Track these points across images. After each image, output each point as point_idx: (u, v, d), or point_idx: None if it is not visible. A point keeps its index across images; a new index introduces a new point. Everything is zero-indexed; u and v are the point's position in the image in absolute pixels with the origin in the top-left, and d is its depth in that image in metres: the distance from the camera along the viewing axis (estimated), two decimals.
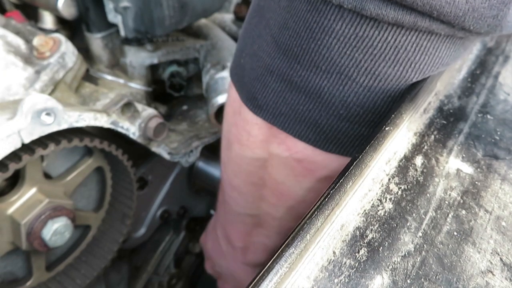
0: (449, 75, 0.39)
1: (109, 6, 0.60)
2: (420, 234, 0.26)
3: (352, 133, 0.35)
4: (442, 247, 0.25)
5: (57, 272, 0.61)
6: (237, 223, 0.53)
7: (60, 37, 0.58)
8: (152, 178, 0.76)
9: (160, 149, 0.64)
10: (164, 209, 0.81)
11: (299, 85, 0.34)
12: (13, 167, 0.46)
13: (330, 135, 0.35)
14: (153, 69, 0.73)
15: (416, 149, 0.31)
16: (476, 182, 0.30)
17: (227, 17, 0.88)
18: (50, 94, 0.56)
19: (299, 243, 0.23)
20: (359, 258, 0.24)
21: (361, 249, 0.24)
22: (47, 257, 0.59)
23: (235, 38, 0.81)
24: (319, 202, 0.25)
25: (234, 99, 0.41)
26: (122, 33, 0.63)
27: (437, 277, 0.24)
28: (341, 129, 0.35)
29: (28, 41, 0.58)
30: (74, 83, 0.60)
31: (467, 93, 0.38)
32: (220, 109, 0.67)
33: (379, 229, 0.25)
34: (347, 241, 0.24)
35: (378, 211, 0.26)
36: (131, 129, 0.58)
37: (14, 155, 0.47)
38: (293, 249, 0.23)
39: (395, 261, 0.24)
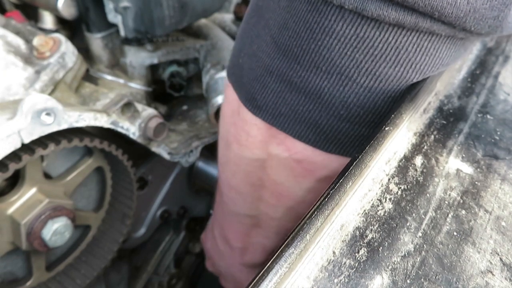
0: (449, 75, 0.39)
1: (109, 6, 0.60)
2: (420, 234, 0.26)
3: (352, 134, 0.35)
4: (442, 247, 0.25)
5: (57, 272, 0.61)
6: (235, 224, 0.53)
7: (60, 37, 0.58)
8: (152, 178, 0.76)
9: (160, 149, 0.64)
10: (164, 209, 0.81)
11: (299, 86, 0.34)
12: (13, 167, 0.46)
13: (330, 135, 0.35)
14: (153, 69, 0.73)
15: (416, 149, 0.31)
16: (476, 182, 0.30)
17: (227, 17, 0.88)
18: (50, 94, 0.56)
19: (299, 243, 0.23)
20: (359, 258, 0.24)
21: (361, 249, 0.24)
22: (47, 257, 0.59)
23: (235, 38, 0.81)
24: (319, 202, 0.25)
25: (232, 99, 0.41)
26: (122, 33, 0.63)
27: (437, 277, 0.24)
28: (341, 130, 0.35)
29: (28, 41, 0.58)
30: (74, 83, 0.60)
31: (467, 93, 0.38)
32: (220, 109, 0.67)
33: (379, 229, 0.25)
34: (347, 241, 0.24)
35: (378, 211, 0.26)
36: (131, 129, 0.58)
37: (14, 155, 0.47)
38: (293, 249, 0.23)
39: (395, 261, 0.24)
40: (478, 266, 0.24)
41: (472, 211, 0.28)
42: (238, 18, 0.88)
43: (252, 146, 0.41)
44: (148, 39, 0.68)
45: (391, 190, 0.28)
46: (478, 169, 0.31)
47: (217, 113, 0.69)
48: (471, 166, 0.31)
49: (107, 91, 0.62)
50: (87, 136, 0.53)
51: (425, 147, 0.31)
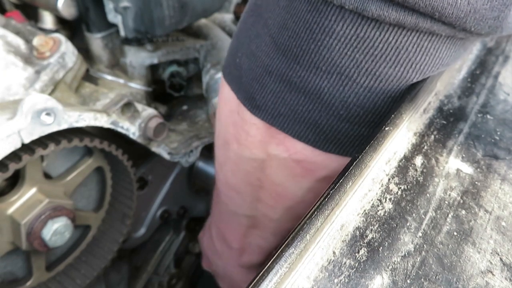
0: (449, 75, 0.39)
1: (109, 6, 0.60)
2: (420, 234, 0.26)
3: (352, 134, 0.35)
4: (442, 247, 0.25)
5: (57, 272, 0.61)
6: (233, 224, 0.53)
7: (60, 37, 0.58)
8: (152, 178, 0.76)
9: (160, 149, 0.64)
10: (164, 209, 0.81)
11: (298, 86, 0.34)
12: (13, 167, 0.46)
13: (330, 135, 0.35)
14: (153, 69, 0.73)
15: (416, 149, 0.31)
16: (476, 182, 0.30)
17: (227, 17, 0.88)
18: (50, 94, 0.56)
19: (299, 243, 0.23)
20: (359, 258, 0.24)
21: (361, 249, 0.24)
22: (47, 257, 0.59)
23: None
24: (319, 202, 0.25)
25: (229, 98, 0.41)
26: (122, 33, 0.63)
27: (437, 277, 0.24)
28: (341, 130, 0.35)
29: (28, 41, 0.58)
30: (74, 83, 0.60)
31: (467, 93, 0.38)
32: None
33: (379, 229, 0.25)
34: (347, 241, 0.24)
35: (378, 211, 0.26)
36: (131, 129, 0.58)
37: (14, 155, 0.47)
38: (293, 249, 0.23)
39: (395, 261, 0.24)
40: (478, 266, 0.24)
41: (472, 211, 0.28)
42: (238, 18, 0.88)
43: (251, 146, 0.41)
44: (148, 39, 0.68)
45: (391, 190, 0.28)
46: (478, 169, 0.31)
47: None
48: (471, 166, 0.31)
49: (107, 91, 0.62)
50: (87, 136, 0.53)
51: (425, 147, 0.31)
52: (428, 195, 0.28)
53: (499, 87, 0.40)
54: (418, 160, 0.30)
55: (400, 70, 0.31)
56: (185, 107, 0.81)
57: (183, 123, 0.77)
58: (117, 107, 0.55)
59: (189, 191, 0.86)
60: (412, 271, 0.24)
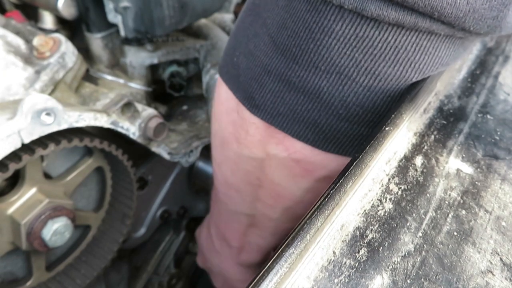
0: (449, 75, 0.39)
1: (109, 6, 0.60)
2: (420, 234, 0.26)
3: (351, 133, 0.35)
4: (442, 247, 0.25)
5: (57, 272, 0.61)
6: (232, 222, 0.53)
7: (60, 37, 0.58)
8: (152, 178, 0.76)
9: (160, 149, 0.64)
10: (164, 209, 0.81)
11: (297, 86, 0.34)
12: (13, 167, 0.46)
13: (329, 135, 0.35)
14: (153, 69, 0.73)
15: (416, 149, 0.31)
16: (476, 182, 0.30)
17: (227, 17, 0.88)
18: (50, 94, 0.56)
19: (299, 243, 0.23)
20: (359, 258, 0.24)
21: (361, 249, 0.24)
22: (47, 257, 0.59)
23: None
24: (319, 202, 0.25)
25: (227, 97, 0.41)
26: (122, 33, 0.63)
27: (437, 277, 0.24)
28: (340, 129, 0.35)
29: (28, 41, 0.58)
30: (74, 83, 0.60)
31: (467, 93, 0.38)
32: None
33: (379, 229, 0.25)
34: (347, 241, 0.24)
35: (378, 211, 0.26)
36: (131, 129, 0.58)
37: (14, 155, 0.47)
38: (293, 249, 0.23)
39: (395, 261, 0.24)
40: (478, 266, 0.24)
41: (472, 211, 0.28)
42: None
43: (251, 145, 0.41)
44: (148, 39, 0.68)
45: (391, 190, 0.28)
46: (478, 169, 0.31)
47: None
48: (471, 166, 0.31)
49: (107, 91, 0.62)
50: (87, 136, 0.53)
51: (425, 147, 0.31)
52: (428, 195, 0.28)
53: (499, 87, 0.40)
54: (418, 160, 0.30)
55: (399, 69, 0.31)
56: (185, 107, 0.81)
57: (183, 123, 0.77)
58: (117, 107, 0.55)
59: (189, 191, 0.86)
60: (412, 271, 0.24)
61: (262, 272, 0.22)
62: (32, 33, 0.61)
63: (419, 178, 0.29)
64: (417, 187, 0.28)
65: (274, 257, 0.23)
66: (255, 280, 0.22)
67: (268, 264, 0.22)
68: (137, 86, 0.70)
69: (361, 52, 0.30)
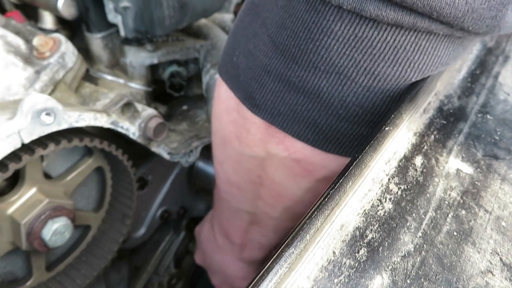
0: (449, 75, 0.39)
1: (109, 6, 0.60)
2: (420, 234, 0.26)
3: (351, 133, 0.35)
4: (442, 247, 0.25)
5: (57, 272, 0.61)
6: (235, 220, 0.53)
7: (60, 37, 0.58)
8: (152, 178, 0.76)
9: (160, 149, 0.64)
10: (164, 209, 0.81)
11: (297, 86, 0.34)
12: (13, 167, 0.46)
13: (329, 135, 0.35)
14: (153, 69, 0.73)
15: (416, 149, 0.31)
16: (476, 182, 0.30)
17: (227, 17, 0.88)
18: (50, 94, 0.56)
19: (299, 243, 0.23)
20: (359, 258, 0.24)
21: (361, 249, 0.24)
22: (47, 257, 0.59)
23: None
24: (319, 202, 0.25)
25: (227, 96, 0.41)
26: (122, 33, 0.63)
27: (437, 277, 0.24)
28: (340, 129, 0.35)
29: (28, 41, 0.58)
30: (74, 83, 0.60)
31: (467, 93, 0.38)
32: None
33: (379, 229, 0.25)
34: (347, 241, 0.24)
35: (378, 211, 0.26)
36: (131, 129, 0.58)
37: (14, 155, 0.47)
38: (293, 249, 0.23)
39: (395, 261, 0.24)
40: (478, 266, 0.24)
41: (472, 211, 0.28)
42: None
43: (252, 144, 0.41)
44: (148, 39, 0.68)
45: (391, 190, 0.28)
46: (478, 169, 0.31)
47: None
48: (471, 166, 0.31)
49: (107, 91, 0.62)
50: (87, 136, 0.53)
51: (425, 147, 0.31)
52: (428, 195, 0.28)
53: (499, 87, 0.40)
54: (418, 160, 0.30)
55: (398, 69, 0.31)
56: (185, 107, 0.81)
57: (183, 123, 0.77)
58: (117, 107, 0.55)
59: (189, 191, 0.86)
60: (412, 271, 0.24)
61: (262, 272, 0.22)
62: (32, 33, 0.61)
63: (419, 178, 0.29)
64: (417, 187, 0.28)
65: (274, 257, 0.23)
66: (255, 280, 0.22)
67: (268, 264, 0.22)
68: (137, 86, 0.70)
69: (360, 52, 0.30)
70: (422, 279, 0.23)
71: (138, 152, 0.67)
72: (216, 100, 0.44)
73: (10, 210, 0.50)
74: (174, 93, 0.76)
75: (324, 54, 0.31)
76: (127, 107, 0.56)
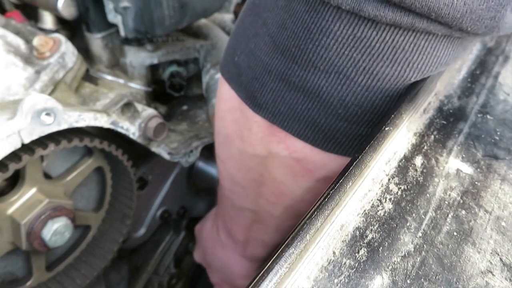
0: (449, 75, 0.39)
1: (109, 6, 0.60)
2: (420, 234, 0.26)
3: (350, 133, 0.35)
4: (442, 247, 0.25)
5: (57, 272, 0.61)
6: (238, 217, 0.54)
7: (60, 37, 0.58)
8: (152, 178, 0.76)
9: (160, 149, 0.64)
10: (164, 209, 0.81)
11: (297, 85, 0.34)
12: (13, 167, 0.46)
13: (329, 134, 0.35)
14: (153, 69, 0.73)
15: (416, 149, 0.31)
16: (476, 182, 0.30)
17: (227, 17, 0.88)
18: (50, 94, 0.56)
19: (299, 243, 0.23)
20: (359, 258, 0.24)
21: (361, 249, 0.24)
22: (47, 257, 0.59)
23: None
24: (319, 202, 0.25)
25: (230, 96, 0.41)
26: (122, 33, 0.63)
27: (437, 277, 0.24)
28: (339, 129, 0.35)
29: (28, 41, 0.58)
30: (74, 83, 0.60)
31: (467, 93, 0.38)
32: None
33: (379, 229, 0.25)
34: (347, 241, 0.24)
35: (378, 211, 0.26)
36: (131, 129, 0.58)
37: (14, 155, 0.47)
38: (293, 249, 0.23)
39: (395, 261, 0.24)
40: (478, 266, 0.24)
41: (472, 211, 0.28)
42: None
43: (254, 143, 0.41)
44: (148, 39, 0.68)
45: (391, 190, 0.28)
46: (478, 169, 0.31)
47: None
48: (471, 166, 0.31)
49: (107, 91, 0.62)
50: (87, 136, 0.53)
51: (425, 147, 0.31)
52: (428, 195, 0.28)
53: (499, 87, 0.40)
54: (418, 160, 0.30)
55: (397, 69, 0.31)
56: (185, 107, 0.81)
57: (183, 123, 0.77)
58: (117, 107, 0.55)
59: (189, 191, 0.86)
60: (412, 271, 0.24)
61: (262, 272, 0.22)
62: (32, 33, 0.61)
63: (419, 178, 0.29)
64: (417, 187, 0.28)
65: (274, 257, 0.23)
66: (255, 280, 0.22)
67: (268, 264, 0.22)
68: (137, 86, 0.70)
69: (359, 52, 0.30)
70: (422, 279, 0.23)
71: (138, 152, 0.67)
72: (219, 100, 0.45)
73: (10, 210, 0.50)
74: (174, 93, 0.76)
75: (324, 54, 0.31)
76: (127, 107, 0.56)
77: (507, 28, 0.29)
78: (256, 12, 0.36)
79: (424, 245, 0.25)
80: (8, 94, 0.52)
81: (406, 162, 0.30)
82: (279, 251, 0.23)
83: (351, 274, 0.23)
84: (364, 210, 0.26)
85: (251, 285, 0.22)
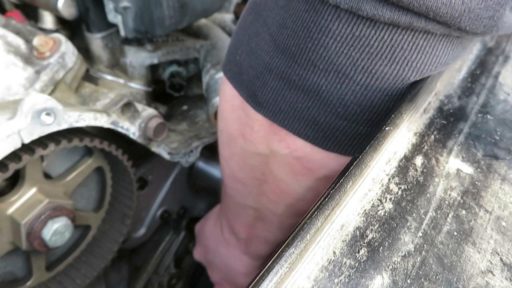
0: (449, 75, 0.39)
1: (109, 6, 0.60)
2: (420, 234, 0.26)
3: (350, 132, 0.35)
4: (442, 247, 0.25)
5: (57, 272, 0.61)
6: (240, 215, 0.54)
7: (60, 37, 0.58)
8: (152, 178, 0.76)
9: (160, 149, 0.64)
10: (164, 209, 0.81)
11: (297, 84, 0.34)
12: (13, 167, 0.46)
13: (328, 133, 0.35)
14: (153, 69, 0.73)
15: (416, 149, 0.31)
16: (476, 182, 0.30)
17: (227, 17, 0.88)
18: (50, 94, 0.56)
19: (299, 243, 0.23)
20: (359, 258, 0.24)
21: (361, 249, 0.24)
22: (47, 257, 0.59)
23: None
24: (319, 202, 0.25)
25: (232, 95, 0.41)
26: (122, 33, 0.63)
27: (437, 277, 0.24)
28: (339, 127, 0.35)
29: (28, 41, 0.58)
30: (74, 83, 0.60)
31: (467, 93, 0.38)
32: None
33: (379, 229, 0.25)
34: (347, 241, 0.24)
35: (378, 211, 0.26)
36: (131, 129, 0.58)
37: (14, 155, 0.47)
38: (293, 249, 0.23)
39: (395, 261, 0.24)
40: (479, 266, 0.24)
41: (472, 211, 0.28)
42: (238, 18, 0.88)
43: (256, 141, 0.41)
44: (148, 39, 0.68)
45: (391, 190, 0.28)
46: (478, 169, 0.31)
47: (217, 113, 0.69)
48: (471, 166, 0.31)
49: (107, 91, 0.62)
50: (87, 136, 0.53)
51: (425, 147, 0.31)
52: (428, 195, 0.28)
53: (499, 87, 0.40)
54: (418, 160, 0.30)
55: (396, 68, 0.31)
56: (185, 107, 0.81)
57: (183, 123, 0.77)
58: (117, 107, 0.55)
59: (189, 191, 0.86)
60: (412, 271, 0.24)
61: (262, 272, 0.22)
62: (32, 33, 0.61)
63: (419, 178, 0.29)
64: (417, 187, 0.28)
65: (274, 257, 0.23)
66: (255, 280, 0.22)
67: (268, 264, 0.22)
68: (137, 86, 0.70)
69: (358, 51, 0.30)
70: (422, 279, 0.23)
71: (138, 152, 0.67)
72: (221, 99, 0.45)
73: (10, 210, 0.50)
74: (174, 93, 0.76)
75: (323, 52, 0.31)
76: (127, 107, 0.56)
77: (506, 28, 0.29)
78: (257, 11, 0.36)
79: (424, 245, 0.25)
80: (8, 94, 0.52)
81: (406, 162, 0.30)
82: (279, 251, 0.23)
83: (351, 274, 0.23)
84: (365, 210, 0.26)
85: (252, 285, 0.22)
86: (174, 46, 0.72)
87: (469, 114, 0.36)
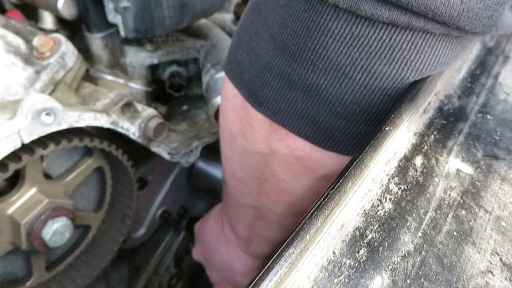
0: (449, 75, 0.39)
1: (109, 6, 0.60)
2: (420, 234, 0.26)
3: (349, 131, 0.35)
4: (442, 247, 0.25)
5: (57, 272, 0.61)
6: (241, 214, 0.54)
7: (60, 37, 0.58)
8: (152, 178, 0.76)
9: (160, 149, 0.64)
10: (164, 209, 0.81)
11: (297, 83, 0.34)
12: (13, 167, 0.46)
13: (328, 132, 0.36)
14: (153, 69, 0.73)
15: (416, 149, 0.31)
16: (476, 182, 0.30)
17: (227, 17, 0.88)
18: (50, 94, 0.56)
19: (299, 243, 0.23)
20: (359, 258, 0.24)
21: (361, 249, 0.24)
22: (47, 257, 0.59)
23: None
24: (319, 202, 0.25)
25: (233, 94, 0.41)
26: (122, 33, 0.63)
27: (437, 277, 0.24)
28: (338, 127, 0.35)
29: (28, 41, 0.58)
30: (74, 83, 0.60)
31: (467, 93, 0.38)
32: None
33: (379, 229, 0.25)
34: (347, 241, 0.24)
35: (378, 211, 0.26)
36: (131, 129, 0.58)
37: (14, 155, 0.47)
38: (293, 249, 0.23)
39: (395, 261, 0.24)
40: (478, 266, 0.24)
41: (472, 211, 0.28)
42: (238, 18, 0.88)
43: (256, 140, 0.41)
44: (148, 39, 0.68)
45: (391, 190, 0.28)
46: (478, 169, 0.31)
47: (217, 113, 0.69)
48: (471, 166, 0.31)
49: (107, 91, 0.62)
50: (87, 136, 0.53)
51: (425, 147, 0.31)
52: (428, 195, 0.28)
53: (499, 87, 0.40)
54: (418, 160, 0.30)
55: (395, 67, 0.31)
56: (185, 107, 0.81)
57: (183, 123, 0.77)
58: (117, 107, 0.55)
59: (189, 191, 0.86)
60: (412, 271, 0.24)
61: (262, 272, 0.22)
62: (32, 33, 0.61)
63: (419, 178, 0.29)
64: (417, 187, 0.28)
65: (274, 257, 0.23)
66: (255, 280, 0.22)
67: (268, 264, 0.22)
68: (137, 86, 0.70)
69: (357, 51, 0.30)
70: (422, 279, 0.23)
71: (138, 152, 0.67)
72: (223, 98, 0.45)
73: (10, 210, 0.50)
74: (174, 93, 0.76)
75: (322, 52, 0.31)
76: (127, 107, 0.56)
77: (505, 27, 0.29)
78: (257, 11, 0.36)
79: (424, 245, 0.25)
80: (8, 94, 0.52)
81: (406, 162, 0.30)
82: (279, 251, 0.23)
83: (351, 274, 0.23)
84: (364, 210, 0.26)
85: (251, 285, 0.22)
86: (174, 46, 0.72)
87: (469, 114, 0.36)
